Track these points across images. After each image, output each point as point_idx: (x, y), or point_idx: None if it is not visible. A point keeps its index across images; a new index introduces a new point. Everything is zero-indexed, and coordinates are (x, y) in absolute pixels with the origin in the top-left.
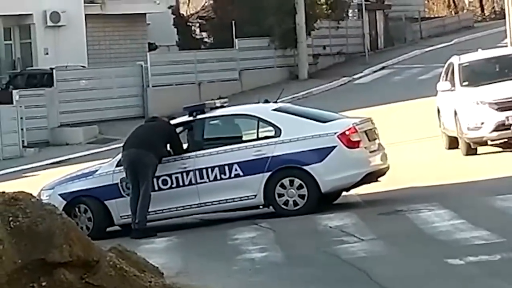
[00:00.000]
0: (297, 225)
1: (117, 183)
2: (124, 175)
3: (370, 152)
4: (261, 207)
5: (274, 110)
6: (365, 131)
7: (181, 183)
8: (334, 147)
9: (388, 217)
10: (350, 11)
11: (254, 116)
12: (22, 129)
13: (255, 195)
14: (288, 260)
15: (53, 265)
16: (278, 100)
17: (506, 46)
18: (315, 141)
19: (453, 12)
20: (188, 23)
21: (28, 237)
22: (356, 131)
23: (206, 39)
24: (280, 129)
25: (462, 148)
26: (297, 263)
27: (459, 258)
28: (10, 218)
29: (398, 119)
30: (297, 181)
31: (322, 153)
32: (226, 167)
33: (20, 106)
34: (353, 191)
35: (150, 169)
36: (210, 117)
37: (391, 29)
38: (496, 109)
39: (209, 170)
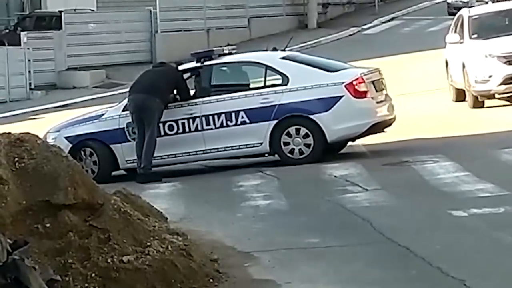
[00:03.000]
0: (302, 174)
1: (123, 128)
2: (130, 119)
3: (377, 102)
4: (266, 155)
5: (282, 58)
6: (372, 82)
7: (187, 129)
8: (341, 96)
9: (393, 168)
10: None
11: (262, 64)
12: (29, 72)
13: (261, 143)
14: (292, 208)
15: (58, 207)
16: (286, 49)
17: None
18: (322, 90)
19: None
20: None
21: (33, 179)
22: (364, 81)
23: None
24: (287, 77)
25: (469, 100)
26: (301, 211)
27: (462, 210)
28: (16, 159)
29: (406, 70)
30: (303, 130)
31: (329, 103)
32: (233, 114)
33: (28, 48)
34: (358, 141)
35: (156, 114)
36: (217, 63)
37: None
38: (505, 63)
39: (216, 116)
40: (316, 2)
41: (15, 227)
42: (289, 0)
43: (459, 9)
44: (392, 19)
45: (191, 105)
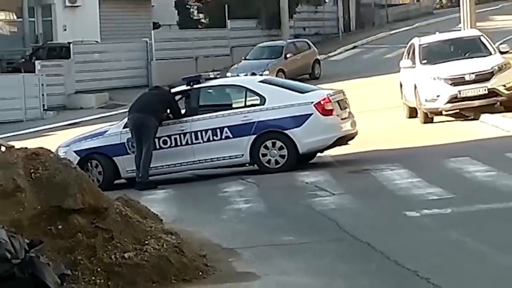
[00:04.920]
0: (278, 181)
1: (124, 142)
2: (129, 135)
3: (342, 119)
4: (247, 165)
5: (260, 81)
6: (337, 101)
7: (179, 143)
8: (311, 114)
9: (356, 175)
10: None
11: (243, 87)
12: (42, 95)
13: (242, 155)
14: (269, 211)
15: (68, 211)
16: (264, 73)
17: (460, 30)
18: (295, 109)
19: (415, 0)
20: (187, 6)
21: (47, 187)
22: (330, 101)
23: (202, 20)
24: (264, 98)
25: (420, 117)
26: (277, 213)
27: (415, 211)
28: (32, 170)
29: (366, 91)
30: (279, 143)
31: (300, 119)
32: (218, 130)
33: (42, 75)
34: (326, 152)
35: (152, 131)
36: (204, 86)
37: (362, 14)
38: (450, 84)
39: (203, 132)
40: (289, 33)
41: (31, 229)
42: (265, 31)
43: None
44: (354, 47)
45: (182, 123)
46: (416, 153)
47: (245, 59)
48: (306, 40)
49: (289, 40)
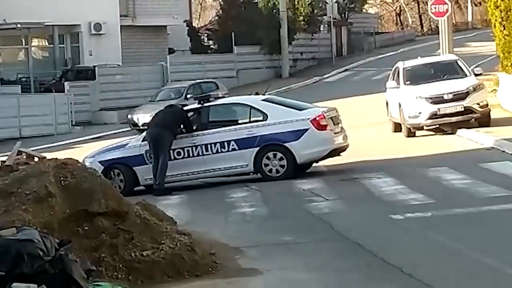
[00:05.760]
0: (278, 188)
1: (142, 154)
2: (147, 148)
3: (335, 133)
4: (251, 173)
5: (263, 100)
6: (331, 117)
7: (191, 155)
8: (308, 129)
9: (347, 183)
10: (322, 26)
11: (247, 105)
12: (71, 112)
13: (247, 165)
14: (271, 214)
15: (93, 214)
16: (266, 93)
17: (439, 54)
18: (293, 124)
19: (399, 28)
20: (198, 34)
21: (75, 193)
22: (324, 117)
23: (212, 46)
24: (267, 115)
25: (404, 131)
26: (278, 216)
27: (399, 214)
28: (61, 178)
29: (356, 108)
30: (279, 154)
31: (298, 134)
32: (225, 143)
33: (70, 94)
34: (321, 163)
35: (167, 143)
36: (214, 105)
37: (352, 41)
38: (430, 103)
39: (212, 145)
40: (288, 58)
41: (61, 230)
42: (267, 56)
43: None
44: (346, 70)
45: (194, 136)
46: (400, 163)
47: (151, 101)
48: (215, 81)
49: (192, 82)
